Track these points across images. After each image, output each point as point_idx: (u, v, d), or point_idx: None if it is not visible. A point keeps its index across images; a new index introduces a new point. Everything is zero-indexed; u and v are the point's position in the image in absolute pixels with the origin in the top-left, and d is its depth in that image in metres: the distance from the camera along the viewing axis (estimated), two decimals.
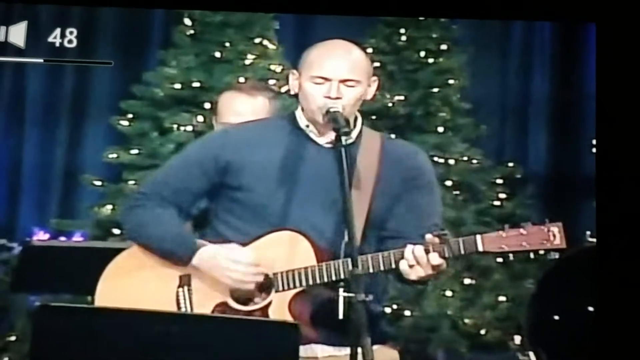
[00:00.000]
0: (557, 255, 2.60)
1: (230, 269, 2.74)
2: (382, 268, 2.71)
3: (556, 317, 5.02)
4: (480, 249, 2.68)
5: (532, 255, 2.71)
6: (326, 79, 2.78)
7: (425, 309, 5.76)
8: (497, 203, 6.13)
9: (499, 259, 5.89)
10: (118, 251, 2.93)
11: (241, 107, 3.35)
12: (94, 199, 5.94)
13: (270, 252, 2.75)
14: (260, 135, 2.85)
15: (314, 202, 2.77)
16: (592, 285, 4.33)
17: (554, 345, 5.05)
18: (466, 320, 5.80)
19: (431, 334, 5.77)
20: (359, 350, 2.53)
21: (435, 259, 2.66)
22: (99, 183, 5.89)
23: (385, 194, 2.82)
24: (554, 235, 2.67)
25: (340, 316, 2.63)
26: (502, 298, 5.85)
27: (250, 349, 2.48)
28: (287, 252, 2.74)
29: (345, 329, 2.55)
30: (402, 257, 2.68)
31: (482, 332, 5.80)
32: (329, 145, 2.79)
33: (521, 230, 2.68)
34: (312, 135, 2.84)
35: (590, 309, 4.81)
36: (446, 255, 2.67)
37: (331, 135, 2.76)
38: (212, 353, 2.49)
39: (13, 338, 5.55)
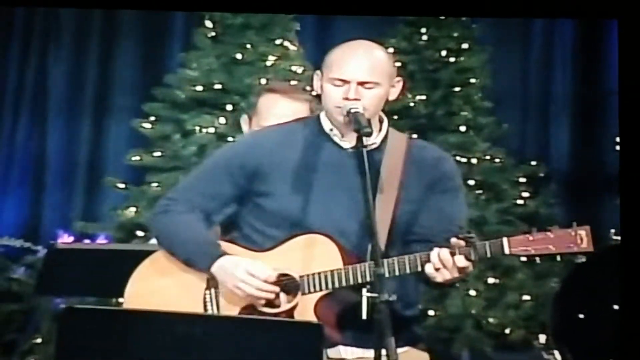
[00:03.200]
0: (584, 259, 2.60)
1: (246, 281, 2.75)
2: (408, 270, 2.70)
3: (581, 316, 5.00)
4: (507, 252, 2.68)
5: (558, 258, 2.70)
6: (344, 81, 2.77)
7: (449, 308, 5.74)
8: (520, 202, 6.10)
9: (523, 258, 5.87)
10: (142, 253, 2.94)
11: (283, 110, 3.35)
12: (117, 201, 5.96)
13: (297, 255, 2.75)
14: (287, 140, 2.86)
15: (340, 206, 2.78)
16: (617, 283, 4.31)
17: (579, 344, 5.02)
18: (490, 320, 5.78)
19: (455, 333, 5.75)
20: (383, 351, 2.53)
21: (461, 261, 2.66)
22: (122, 185, 5.92)
23: (410, 197, 2.81)
24: (581, 239, 2.67)
25: (364, 317, 2.63)
26: (526, 297, 5.83)
27: (274, 349, 2.49)
28: (314, 255, 2.74)
29: (370, 330, 2.55)
30: (428, 260, 2.68)
31: (507, 331, 5.78)
32: (354, 150, 2.78)
33: (548, 233, 2.67)
34: (336, 139, 2.84)
35: (616, 307, 4.78)
36: (472, 257, 2.67)
37: (354, 138, 2.75)
38: (236, 354, 2.49)
39: (39, 340, 5.58)
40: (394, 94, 2.84)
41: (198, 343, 2.49)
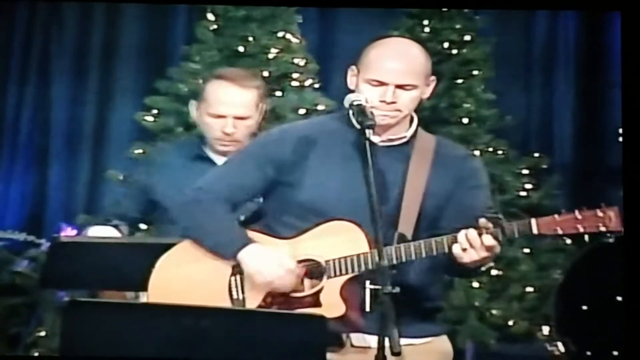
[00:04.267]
0: (612, 240, 2.59)
1: (270, 269, 2.78)
2: (434, 252, 2.75)
3: (584, 308, 5.01)
4: (535, 231, 2.72)
5: (587, 238, 2.75)
6: (383, 83, 2.80)
7: (452, 300, 5.75)
8: (523, 194, 6.10)
9: (526, 250, 5.88)
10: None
11: (231, 97, 3.38)
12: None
13: (324, 241, 2.80)
14: (316, 132, 2.90)
15: (366, 197, 2.78)
16: (620, 275, 4.31)
17: (582, 336, 5.03)
18: (493, 312, 5.78)
19: (458, 325, 5.76)
20: (387, 342, 2.54)
21: (488, 240, 2.69)
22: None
23: (438, 193, 2.87)
24: (610, 219, 2.68)
25: (367, 309, 2.66)
26: (529, 289, 5.83)
27: (279, 341, 2.50)
28: (340, 240, 2.79)
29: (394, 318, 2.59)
30: (455, 241, 2.72)
31: (510, 323, 5.78)
32: (384, 144, 2.83)
33: (576, 214, 2.70)
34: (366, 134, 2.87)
35: (619, 298, 4.79)
36: (500, 238, 2.71)
37: (388, 135, 2.80)
38: (241, 346, 2.50)
39: (42, 333, 5.59)
40: (428, 92, 2.89)
41: (203, 336, 2.50)
